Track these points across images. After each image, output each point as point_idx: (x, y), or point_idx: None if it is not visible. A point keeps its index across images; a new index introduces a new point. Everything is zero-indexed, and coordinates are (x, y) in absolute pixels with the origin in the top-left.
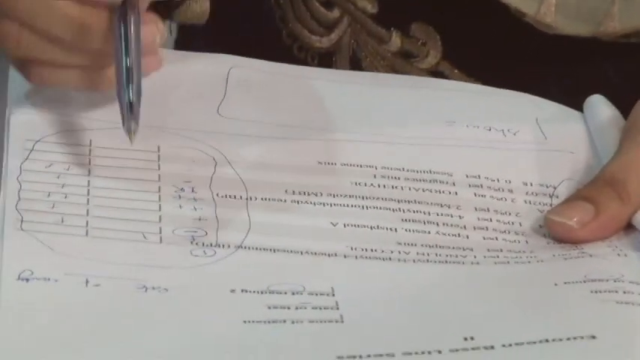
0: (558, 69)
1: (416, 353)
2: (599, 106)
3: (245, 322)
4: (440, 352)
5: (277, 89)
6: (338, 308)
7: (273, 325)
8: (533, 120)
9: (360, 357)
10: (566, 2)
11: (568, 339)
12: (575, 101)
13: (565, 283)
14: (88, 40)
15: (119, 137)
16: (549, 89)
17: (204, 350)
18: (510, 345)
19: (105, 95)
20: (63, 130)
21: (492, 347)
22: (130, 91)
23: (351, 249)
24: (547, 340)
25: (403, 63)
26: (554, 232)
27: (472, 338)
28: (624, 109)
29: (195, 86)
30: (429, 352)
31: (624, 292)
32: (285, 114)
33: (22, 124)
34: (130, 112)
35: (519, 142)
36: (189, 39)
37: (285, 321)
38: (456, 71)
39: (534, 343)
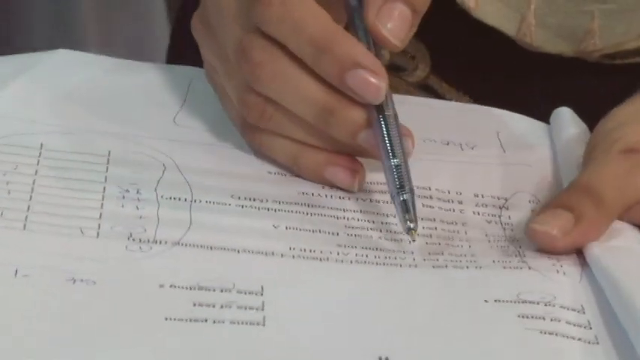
0: (546, 82)
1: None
2: (566, 119)
3: (166, 319)
4: None
5: None
6: (263, 309)
7: (194, 324)
8: (494, 134)
9: None
10: (545, 22)
11: None
12: None
13: (495, 301)
14: (329, 125)
15: (70, 141)
16: (537, 102)
17: (120, 344)
18: None
19: (58, 100)
20: (15, 133)
21: None
22: (402, 190)
23: (290, 248)
24: None
25: (392, 77)
26: (537, 241)
27: (387, 359)
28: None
29: (155, 96)
30: None
31: (551, 320)
32: None
33: None
34: (406, 211)
35: (476, 156)
36: (182, 47)
37: (206, 320)
38: (444, 85)
39: None
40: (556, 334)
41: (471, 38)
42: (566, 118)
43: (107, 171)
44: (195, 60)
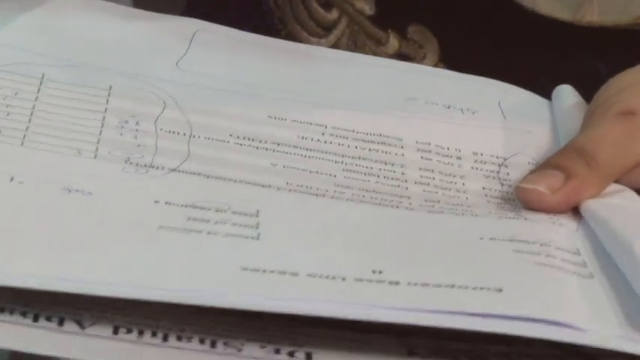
0: (553, 70)
1: (320, 277)
2: (566, 93)
3: (160, 227)
4: (344, 279)
5: (240, 53)
6: (257, 227)
7: (187, 233)
8: (496, 102)
9: (264, 271)
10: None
11: (474, 288)
12: None
13: (490, 238)
14: None
15: (72, 74)
16: (543, 91)
17: (114, 250)
18: (416, 284)
19: (62, 36)
20: (16, 62)
21: (397, 283)
22: None
23: (287, 183)
24: (453, 286)
25: None
26: (526, 200)
27: (380, 272)
28: None
29: (159, 41)
30: (333, 277)
31: (546, 256)
32: (244, 74)
33: None
34: None
35: (476, 120)
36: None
37: (200, 232)
38: None
39: (440, 286)
40: (552, 266)
41: (480, 27)
42: (566, 93)
43: (107, 103)
44: None
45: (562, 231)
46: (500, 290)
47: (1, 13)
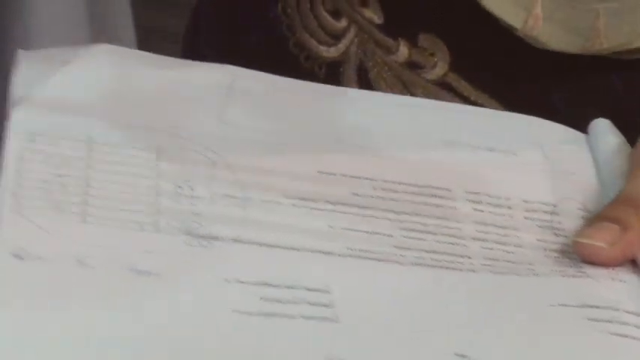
0: (566, 81)
1: None
2: (604, 131)
3: (235, 311)
4: None
5: (280, 101)
6: (333, 306)
7: (264, 318)
8: (535, 142)
9: None
10: (553, 16)
11: None
12: (582, 112)
13: (560, 304)
14: None
15: (117, 135)
16: (555, 102)
17: (189, 336)
18: None
19: (101, 94)
20: (62, 126)
21: None
22: None
23: (347, 249)
24: None
25: (410, 74)
26: (583, 254)
27: (464, 356)
28: (631, 121)
29: (197, 93)
30: None
31: (620, 324)
32: (287, 124)
33: (23, 118)
34: None
35: (520, 163)
36: (195, 48)
37: (277, 315)
38: (463, 82)
39: None
40: (626, 336)
41: (491, 36)
42: (604, 128)
43: (157, 166)
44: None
45: (625, 289)
46: None
47: (35, 73)
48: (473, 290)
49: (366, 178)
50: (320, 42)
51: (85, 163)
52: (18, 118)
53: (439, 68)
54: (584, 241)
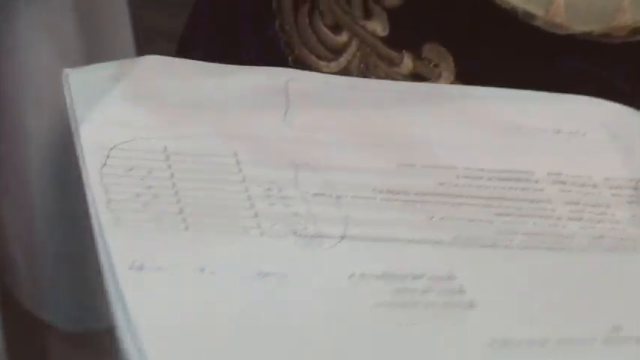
0: (576, 90)
1: (570, 342)
2: None
3: (376, 305)
4: (594, 339)
5: (339, 99)
6: (465, 293)
7: (405, 309)
8: (599, 121)
9: (512, 344)
10: (574, 1)
11: None
12: None
13: None
14: None
15: (192, 144)
16: None
17: (333, 335)
18: None
19: (162, 105)
20: (135, 138)
21: None
22: None
23: (455, 237)
24: None
25: None
26: None
27: (619, 327)
28: None
29: (256, 98)
30: (582, 341)
31: None
32: (352, 121)
33: (92, 134)
34: None
35: (589, 142)
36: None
37: (417, 305)
38: None
39: None
40: None
41: (497, 45)
42: None
43: (241, 171)
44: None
45: None
46: None
47: (91, 90)
48: (596, 270)
49: (448, 167)
50: (320, 57)
51: (168, 173)
52: (88, 136)
53: (444, 79)
54: None
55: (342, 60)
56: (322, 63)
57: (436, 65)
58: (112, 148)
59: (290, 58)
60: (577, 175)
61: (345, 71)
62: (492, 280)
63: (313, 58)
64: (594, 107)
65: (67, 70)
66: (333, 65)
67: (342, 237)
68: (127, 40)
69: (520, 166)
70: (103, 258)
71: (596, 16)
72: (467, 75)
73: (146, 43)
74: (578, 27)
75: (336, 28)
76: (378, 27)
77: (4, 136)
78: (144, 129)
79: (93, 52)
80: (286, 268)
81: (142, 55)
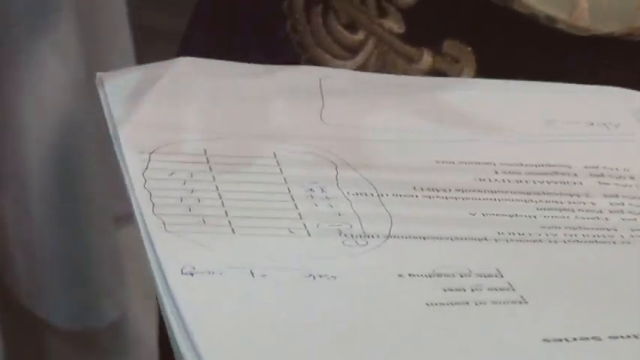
0: (597, 80)
1: (622, 337)
2: None
3: (427, 304)
4: None
5: (373, 96)
6: (514, 289)
7: (457, 307)
8: (629, 112)
9: (567, 340)
10: (597, 4)
11: None
12: None
13: None
14: None
15: (231, 146)
16: None
17: (382, 334)
18: None
19: (198, 107)
20: (175, 142)
21: None
22: None
23: (499, 233)
24: None
25: None
26: None
27: None
28: None
29: (292, 96)
30: (636, 337)
31: None
32: (388, 118)
33: (132, 138)
34: None
35: (624, 134)
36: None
37: (467, 303)
38: None
39: None
40: None
41: (519, 40)
42: None
43: (282, 172)
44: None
45: None
46: None
47: (126, 93)
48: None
49: (485, 163)
50: (335, 56)
51: (210, 176)
52: (128, 140)
53: (465, 75)
54: None
55: (359, 58)
56: (338, 62)
57: (457, 61)
58: (152, 152)
59: (303, 58)
60: (614, 167)
61: (362, 69)
62: (540, 275)
63: (328, 57)
64: (625, 97)
65: (101, 74)
66: (350, 64)
67: (388, 236)
68: (126, 41)
69: (557, 160)
70: (153, 264)
71: (618, 17)
72: (488, 70)
73: (146, 43)
74: (601, 29)
75: (352, 27)
76: (394, 25)
77: (4, 136)
78: (183, 131)
79: (92, 53)
80: (335, 270)
81: (142, 55)
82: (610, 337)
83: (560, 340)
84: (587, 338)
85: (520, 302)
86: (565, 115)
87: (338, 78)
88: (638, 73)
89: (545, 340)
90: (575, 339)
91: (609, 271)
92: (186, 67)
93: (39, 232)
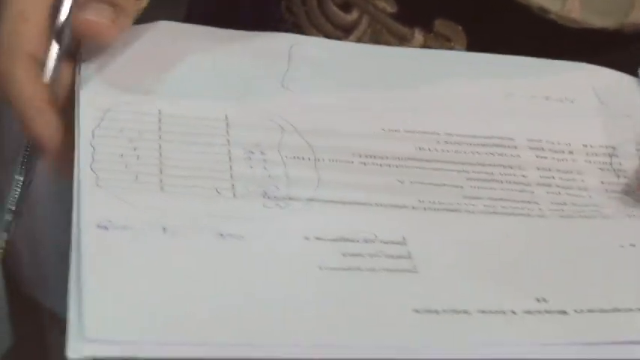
0: (586, 61)
1: (491, 312)
2: None
3: (320, 268)
4: (514, 312)
5: (339, 64)
6: (410, 257)
7: (348, 273)
8: (590, 88)
9: (437, 312)
10: None
11: (638, 309)
12: None
13: (630, 245)
14: None
15: (186, 107)
16: None
17: (279, 295)
18: (582, 311)
19: (165, 69)
20: (131, 102)
21: (565, 312)
22: None
23: (419, 201)
24: (618, 310)
25: None
26: None
27: (544, 300)
28: None
29: (258, 62)
30: (504, 312)
31: None
32: (348, 85)
33: (92, 96)
34: None
35: (577, 109)
36: None
37: (360, 269)
38: None
39: (606, 311)
40: None
41: (508, 19)
42: None
43: (228, 134)
44: None
45: None
46: None
47: (98, 54)
48: (545, 235)
49: (431, 133)
50: (329, 36)
51: (157, 135)
52: (87, 98)
53: None
54: None
55: (352, 37)
56: None
57: (448, 40)
58: (107, 111)
59: None
60: (556, 141)
61: None
62: (444, 246)
63: (322, 36)
64: (588, 73)
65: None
66: None
67: (310, 199)
68: None
69: (502, 132)
70: (74, 217)
71: (610, 12)
72: (478, 49)
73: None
74: (592, 22)
75: (346, 7)
76: (387, 4)
77: (7, 131)
78: (143, 92)
79: None
80: (244, 230)
81: None
82: (479, 312)
83: (430, 311)
84: (458, 311)
85: (410, 271)
86: (524, 89)
87: (308, 45)
88: (626, 64)
89: (415, 310)
90: (445, 311)
91: (511, 245)
92: (164, 30)
93: (43, 225)
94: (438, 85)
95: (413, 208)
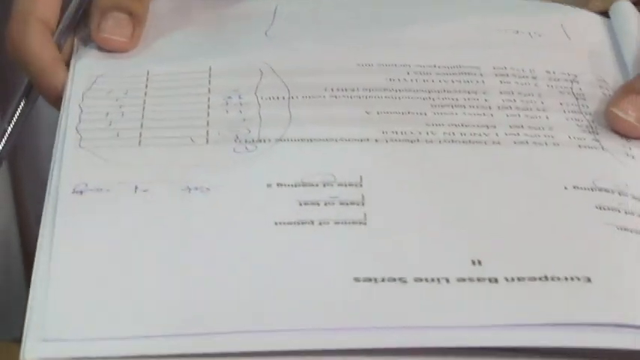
0: None
1: (426, 280)
2: (625, 10)
3: (276, 223)
4: (448, 280)
5: (322, 14)
6: (363, 204)
7: (301, 227)
8: (559, 24)
9: (375, 280)
10: None
11: (565, 279)
12: None
13: (574, 187)
14: None
15: (173, 64)
16: None
17: (236, 251)
18: (513, 279)
19: (159, 31)
20: (123, 66)
21: (496, 280)
22: None
23: (382, 132)
24: (546, 278)
25: None
26: (617, 126)
27: (479, 262)
28: None
29: (245, 20)
30: (438, 280)
31: (625, 213)
32: (329, 30)
33: (85, 62)
34: None
35: (545, 42)
36: None
37: (312, 222)
38: None
39: (534, 279)
40: (630, 231)
41: None
42: (625, 10)
43: (210, 83)
44: None
45: (636, 168)
46: (589, 280)
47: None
48: (496, 169)
49: (402, 65)
50: None
51: (143, 92)
52: (80, 64)
53: None
54: (620, 114)
55: None
56: None
57: None
58: (99, 76)
59: None
60: (520, 68)
61: None
62: (395, 187)
63: None
64: (559, 12)
65: None
66: None
67: (278, 140)
68: None
69: (470, 62)
70: (53, 182)
71: (570, 1)
72: None
73: None
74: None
75: None
76: None
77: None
78: (134, 56)
79: None
80: (211, 182)
81: None
82: (415, 280)
83: (370, 280)
84: (394, 279)
85: (360, 223)
86: (494, 23)
87: (295, 5)
88: None
89: (355, 279)
90: (383, 280)
91: (461, 185)
92: None
93: None
94: (414, 24)
95: (376, 140)
